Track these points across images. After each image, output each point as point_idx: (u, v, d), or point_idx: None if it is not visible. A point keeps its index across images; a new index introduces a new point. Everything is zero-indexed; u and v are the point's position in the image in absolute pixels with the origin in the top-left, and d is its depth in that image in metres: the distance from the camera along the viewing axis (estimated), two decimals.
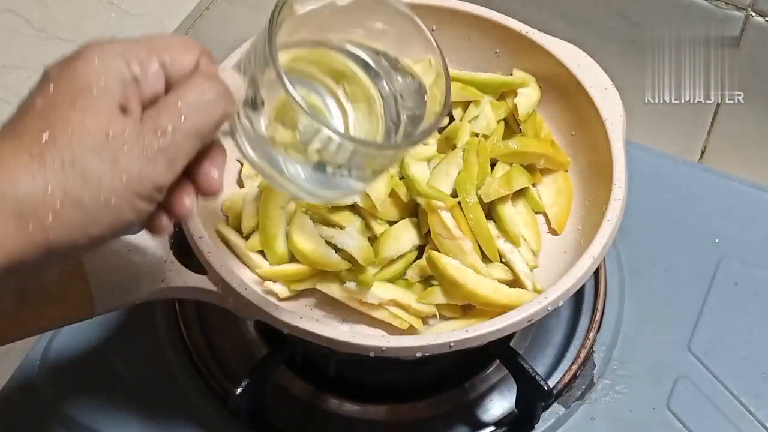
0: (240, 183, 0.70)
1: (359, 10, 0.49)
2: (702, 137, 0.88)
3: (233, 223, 0.67)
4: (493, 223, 0.66)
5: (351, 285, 0.61)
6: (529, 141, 0.68)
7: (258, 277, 0.64)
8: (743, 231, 0.76)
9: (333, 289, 0.62)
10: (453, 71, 0.71)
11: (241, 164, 0.70)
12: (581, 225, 0.66)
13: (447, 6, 0.72)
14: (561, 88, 0.70)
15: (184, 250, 0.61)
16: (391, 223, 0.65)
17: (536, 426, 0.66)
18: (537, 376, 0.63)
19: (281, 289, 0.63)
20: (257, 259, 0.65)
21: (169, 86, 0.41)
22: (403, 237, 0.64)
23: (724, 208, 0.78)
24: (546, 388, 0.62)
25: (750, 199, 0.79)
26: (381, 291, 0.62)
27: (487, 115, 0.69)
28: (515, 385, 0.65)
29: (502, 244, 0.65)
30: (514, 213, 0.66)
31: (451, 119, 0.71)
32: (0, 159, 0.37)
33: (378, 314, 0.62)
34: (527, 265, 0.64)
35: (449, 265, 0.61)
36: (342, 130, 0.49)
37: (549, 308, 0.57)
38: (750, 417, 0.67)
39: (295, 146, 0.45)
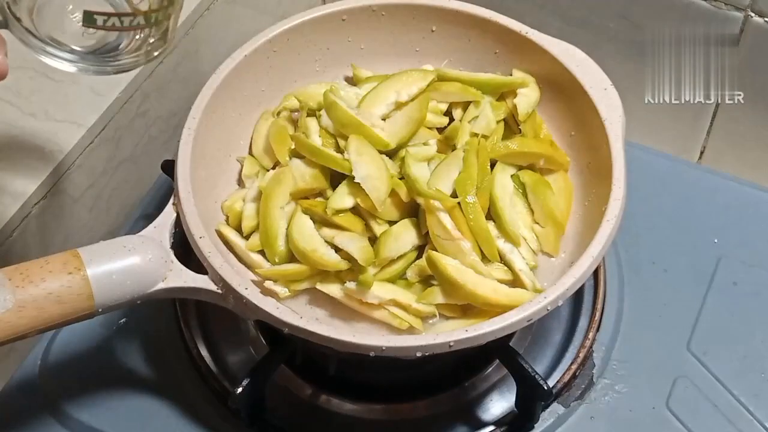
0: (240, 183, 0.70)
1: None
2: (701, 137, 0.89)
3: (233, 223, 0.67)
4: (492, 223, 0.66)
5: (351, 285, 0.61)
6: (529, 141, 0.68)
7: (258, 277, 0.64)
8: (742, 231, 0.76)
9: (332, 289, 0.63)
10: (453, 72, 0.72)
11: (241, 164, 0.70)
12: (581, 225, 0.66)
13: (446, 6, 0.72)
14: (560, 89, 0.70)
15: (184, 250, 0.61)
16: (391, 223, 0.65)
17: (536, 425, 0.66)
18: (536, 376, 0.63)
19: (281, 289, 0.63)
20: (257, 258, 0.65)
21: None
22: (403, 237, 0.64)
23: (724, 208, 0.78)
24: (545, 388, 0.62)
25: (749, 199, 0.79)
26: (381, 291, 0.62)
27: (487, 115, 0.69)
28: (515, 384, 0.65)
29: (502, 244, 0.65)
30: (513, 213, 0.66)
31: (451, 120, 0.71)
32: None
33: (378, 314, 0.62)
34: (527, 265, 0.65)
35: (449, 265, 0.61)
36: None
37: (549, 308, 0.57)
38: (749, 416, 0.67)
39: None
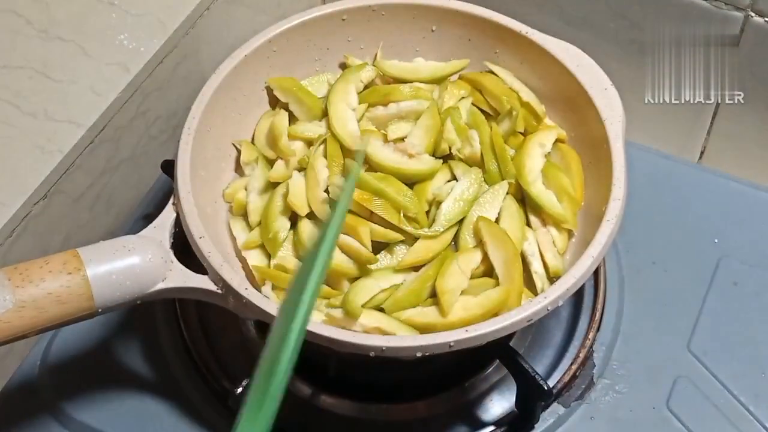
0: (238, 169, 0.70)
1: None
2: (701, 137, 0.88)
3: (237, 211, 0.67)
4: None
5: (335, 312, 0.60)
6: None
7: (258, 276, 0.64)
8: (742, 231, 0.76)
9: (315, 315, 0.60)
10: (390, 65, 0.73)
11: (239, 150, 0.70)
12: (581, 224, 0.66)
13: (447, 6, 0.72)
14: (560, 89, 0.70)
15: (184, 249, 0.61)
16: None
17: (536, 426, 0.66)
18: (537, 376, 0.63)
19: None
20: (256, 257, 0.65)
21: None
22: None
23: (724, 208, 0.78)
24: (546, 388, 0.62)
25: (749, 199, 0.79)
26: (366, 320, 0.60)
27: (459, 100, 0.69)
28: (515, 384, 0.65)
29: (527, 246, 0.65)
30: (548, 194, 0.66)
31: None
32: None
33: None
34: (543, 269, 0.64)
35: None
36: None
37: (549, 308, 0.57)
38: (749, 416, 0.67)
39: None
